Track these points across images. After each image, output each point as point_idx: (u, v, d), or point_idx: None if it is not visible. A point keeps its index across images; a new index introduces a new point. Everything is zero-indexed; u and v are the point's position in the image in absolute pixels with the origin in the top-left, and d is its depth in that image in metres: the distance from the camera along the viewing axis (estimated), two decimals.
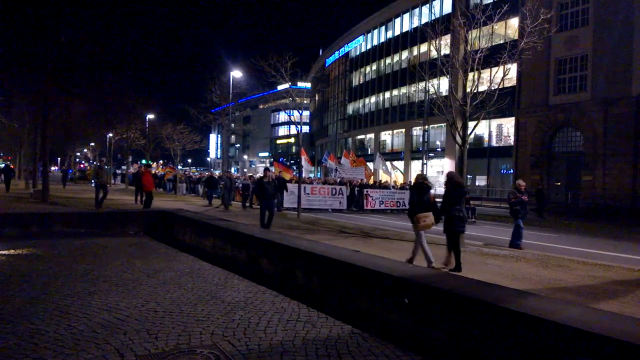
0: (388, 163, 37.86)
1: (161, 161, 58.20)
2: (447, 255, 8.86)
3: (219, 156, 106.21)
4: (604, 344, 3.47)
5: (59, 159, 57.48)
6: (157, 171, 45.02)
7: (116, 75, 21.70)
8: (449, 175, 9.29)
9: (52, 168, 50.70)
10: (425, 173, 38.43)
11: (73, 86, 19.34)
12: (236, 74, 32.59)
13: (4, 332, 5.09)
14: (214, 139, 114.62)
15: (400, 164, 52.16)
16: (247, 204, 24.49)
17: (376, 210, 25.55)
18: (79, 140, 44.96)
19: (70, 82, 19.14)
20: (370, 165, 35.08)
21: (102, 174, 18.68)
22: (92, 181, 21.71)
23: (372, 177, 31.06)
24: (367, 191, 25.83)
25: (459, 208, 8.65)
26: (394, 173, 39.88)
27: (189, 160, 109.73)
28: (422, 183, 9.20)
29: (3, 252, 10.05)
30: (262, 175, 15.01)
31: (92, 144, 67.49)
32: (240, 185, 26.42)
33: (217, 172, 46.89)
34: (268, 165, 40.79)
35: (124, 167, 54.31)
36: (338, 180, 27.58)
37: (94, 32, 19.89)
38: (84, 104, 21.05)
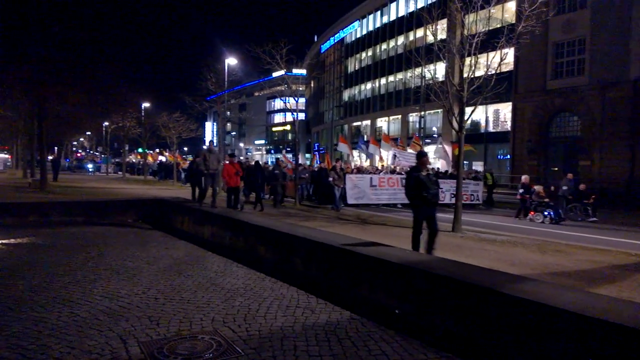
0: (448, 147, 31.60)
1: (158, 149, 57.62)
2: (256, 203, 15.85)
3: (215, 144, 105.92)
4: (601, 328, 3.51)
5: (55, 148, 57.15)
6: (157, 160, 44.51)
7: (111, 64, 21.41)
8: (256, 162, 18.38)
9: (49, 157, 50.21)
10: None
11: (68, 75, 19.12)
12: (231, 61, 32.19)
13: (9, 319, 5.14)
14: (209, 127, 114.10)
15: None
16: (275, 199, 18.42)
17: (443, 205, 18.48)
18: (74, 130, 44.73)
19: (65, 71, 18.92)
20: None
21: (211, 160, 13.78)
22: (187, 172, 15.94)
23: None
24: None
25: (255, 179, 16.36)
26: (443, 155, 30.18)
27: (185, 149, 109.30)
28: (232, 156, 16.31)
29: (4, 241, 10.08)
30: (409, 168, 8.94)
31: (89, 132, 67.19)
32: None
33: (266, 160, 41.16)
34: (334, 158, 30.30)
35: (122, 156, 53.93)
36: (397, 168, 23.51)
37: (87, 22, 19.65)
38: (80, 93, 20.79)
